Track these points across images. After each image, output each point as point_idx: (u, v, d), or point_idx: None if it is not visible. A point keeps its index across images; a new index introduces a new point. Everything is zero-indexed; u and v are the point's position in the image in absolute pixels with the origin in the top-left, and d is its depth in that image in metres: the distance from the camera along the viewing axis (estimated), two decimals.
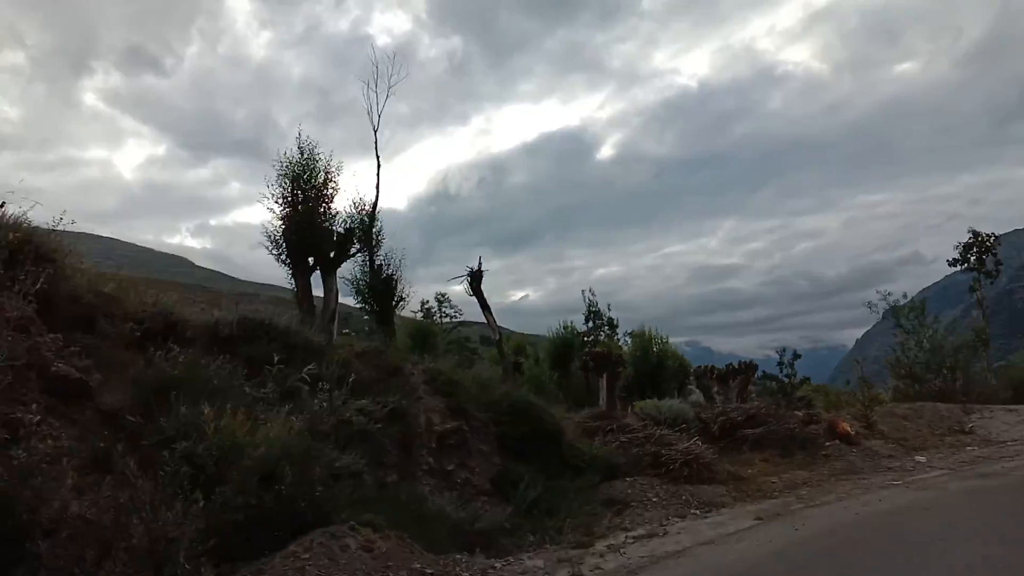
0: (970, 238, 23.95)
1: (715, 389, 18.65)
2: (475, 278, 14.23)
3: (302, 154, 14.04)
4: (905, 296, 18.81)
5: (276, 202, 13.75)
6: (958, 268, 23.90)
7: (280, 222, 13.67)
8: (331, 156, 14.03)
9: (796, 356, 24.31)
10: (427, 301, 50.76)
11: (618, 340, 26.92)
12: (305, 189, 13.83)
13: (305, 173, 13.82)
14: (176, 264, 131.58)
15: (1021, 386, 17.46)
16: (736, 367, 18.75)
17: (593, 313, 29.70)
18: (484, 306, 14.40)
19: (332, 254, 13.91)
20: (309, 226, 13.55)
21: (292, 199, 13.74)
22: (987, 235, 23.93)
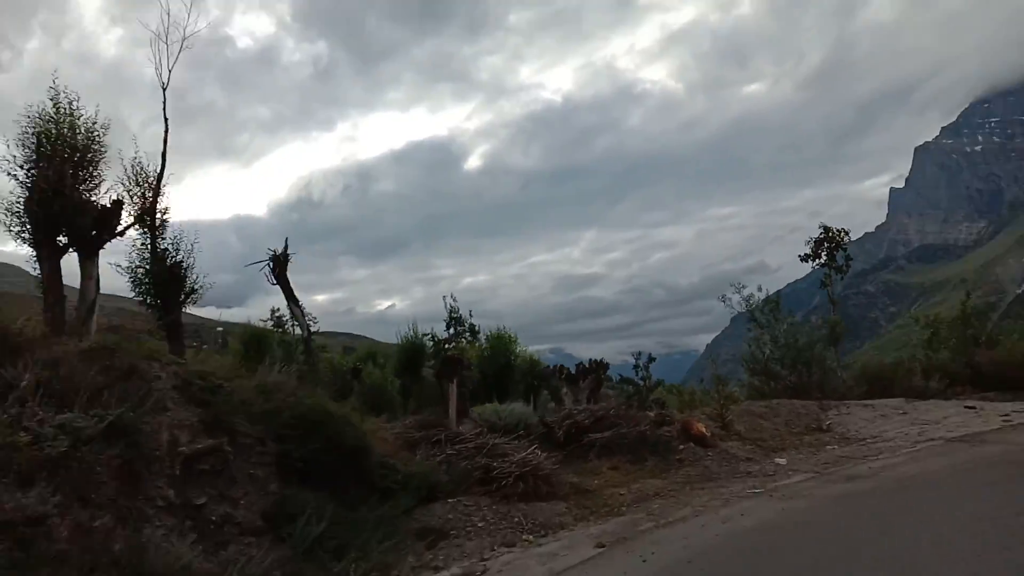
0: (821, 234, 23.66)
1: (564, 391, 17.03)
2: (278, 263, 11.84)
3: (56, 109, 11.21)
4: (760, 289, 17.90)
5: (20, 166, 10.87)
6: (810, 264, 23.49)
7: (22, 189, 10.79)
8: (97, 111, 11.29)
9: (651, 359, 23.64)
10: (278, 309, 47.24)
11: (479, 346, 25.23)
12: (56, 148, 10.98)
13: (56, 129, 10.99)
14: None
15: (876, 380, 16.91)
16: (586, 366, 17.22)
17: (455, 319, 27.66)
18: (290, 296, 12.05)
19: (93, 232, 11.12)
20: (58, 195, 10.71)
21: (38, 161, 10.87)
22: (838, 231, 23.71)
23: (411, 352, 20.59)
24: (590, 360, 17.35)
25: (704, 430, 12.70)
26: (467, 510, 9.14)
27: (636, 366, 23.58)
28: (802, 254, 23.67)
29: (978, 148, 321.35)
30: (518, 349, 17.75)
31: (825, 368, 17.03)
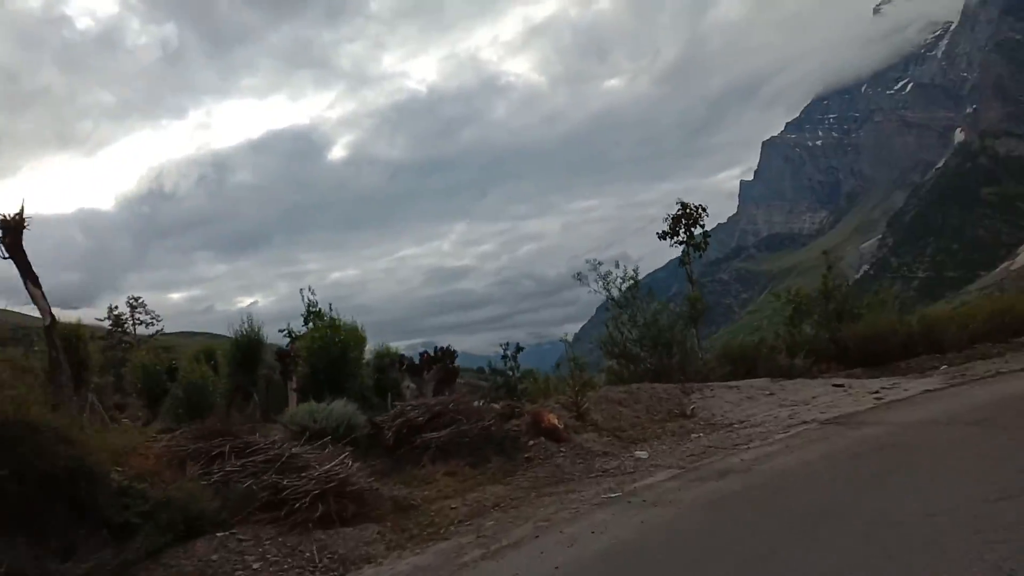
0: (679, 210, 22.65)
1: (406, 384, 14.94)
2: (8, 230, 9.07)
3: None
4: (618, 266, 16.46)
5: None
6: (668, 241, 22.46)
7: None
8: None
9: (519, 349, 22.08)
10: (116, 307, 42.27)
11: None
12: None
13: None
14: None
15: (740, 360, 15.86)
16: (432, 355, 15.20)
17: (314, 314, 24.87)
18: (27, 275, 9.26)
19: None
20: None
21: None
22: (695, 206, 22.78)
23: (246, 349, 17.85)
24: (435, 348, 15.35)
25: (556, 422, 10.95)
26: (242, 546, 6.90)
27: (504, 356, 22.11)
28: (660, 231, 22.65)
29: (819, 142, 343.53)
30: (349, 335, 15.40)
31: (686, 349, 15.79)
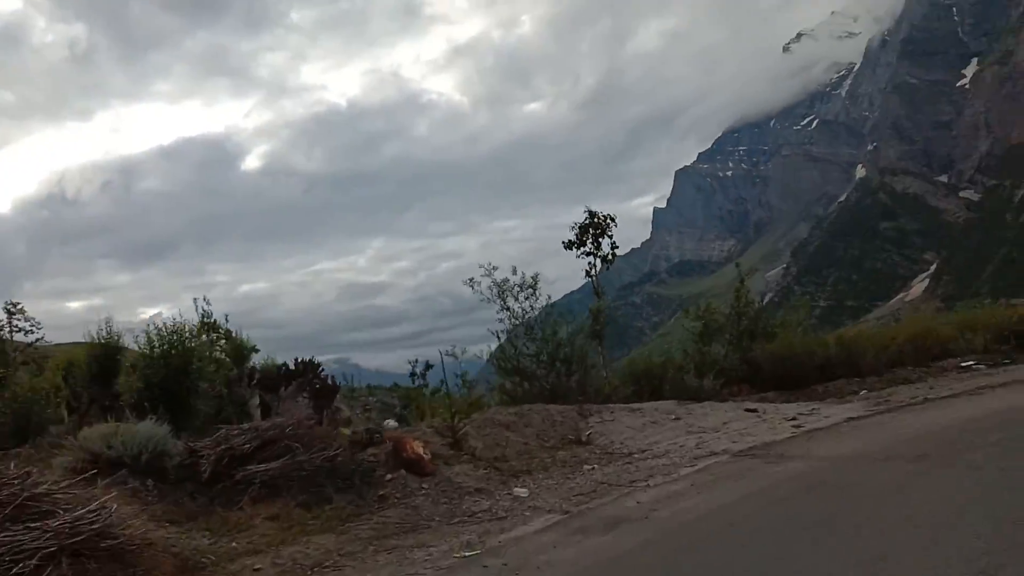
0: (586, 219, 21.04)
1: (255, 401, 12.61)
2: None
3: None
4: (516, 272, 14.66)
5: None
6: (574, 252, 20.81)
7: None
8: None
9: (428, 366, 19.98)
10: None
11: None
12: None
13: None
14: None
15: (644, 379, 14.23)
16: (293, 368, 12.97)
17: (208, 324, 21.89)
18: None
19: None
20: None
21: None
22: (604, 216, 21.22)
23: (102, 358, 15.07)
24: (297, 359, 13.12)
25: (421, 451, 8.94)
26: None
27: (413, 374, 20.08)
28: (566, 240, 21.00)
29: (729, 173, 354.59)
30: (191, 345, 12.96)
31: (587, 366, 14.06)
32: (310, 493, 8.30)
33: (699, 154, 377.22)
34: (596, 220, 21.07)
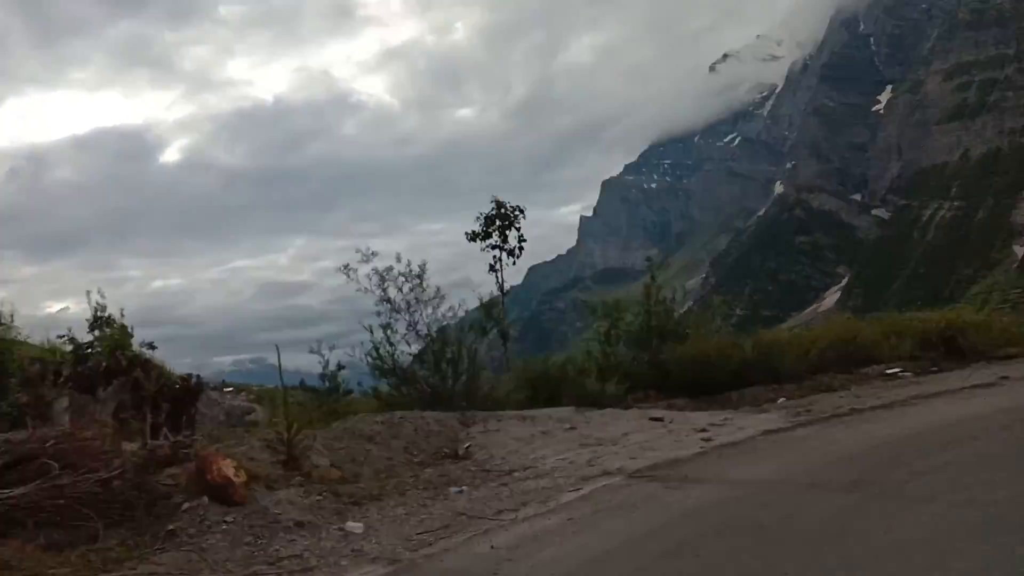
0: (493, 209, 19.36)
1: (63, 404, 10.26)
2: None
3: None
4: (400, 259, 12.74)
5: None
6: (480, 243, 19.13)
7: None
8: None
9: (340, 367, 17.62)
10: None
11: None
12: None
13: None
14: None
15: (541, 383, 12.47)
16: (114, 364, 10.70)
17: (101, 320, 18.93)
18: None
19: None
20: None
21: None
22: (512, 207, 19.59)
23: None
24: (116, 351, 10.85)
25: (230, 473, 6.91)
26: None
27: (323, 375, 17.63)
28: (470, 231, 19.28)
29: (653, 186, 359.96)
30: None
31: (477, 367, 12.25)
32: (68, 528, 6.21)
33: (626, 166, 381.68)
34: (504, 211, 19.42)
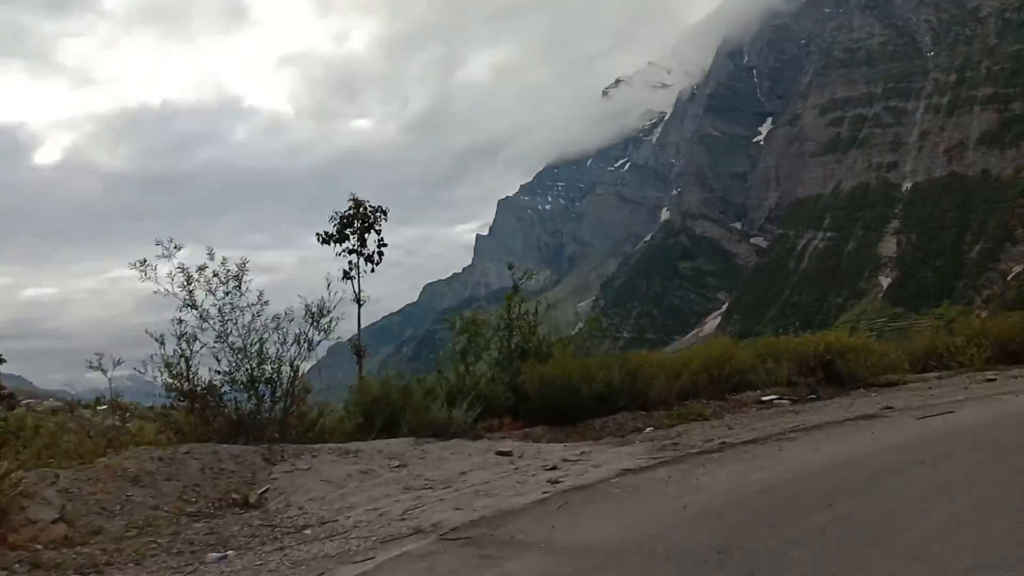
0: (350, 209, 17.39)
1: None
2: None
3: None
4: (212, 256, 10.57)
5: None
6: (333, 247, 17.10)
7: None
8: None
9: (115, 394, 15.15)
10: None
11: None
12: None
13: None
14: None
15: (377, 408, 10.44)
16: None
17: None
18: None
19: None
20: None
21: None
22: (373, 207, 17.68)
23: None
24: None
25: None
26: None
27: (99, 398, 15.14)
28: (323, 232, 17.22)
29: (548, 207, 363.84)
30: None
31: (303, 389, 10.24)
32: None
33: (521, 186, 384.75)
34: (362, 211, 17.41)
